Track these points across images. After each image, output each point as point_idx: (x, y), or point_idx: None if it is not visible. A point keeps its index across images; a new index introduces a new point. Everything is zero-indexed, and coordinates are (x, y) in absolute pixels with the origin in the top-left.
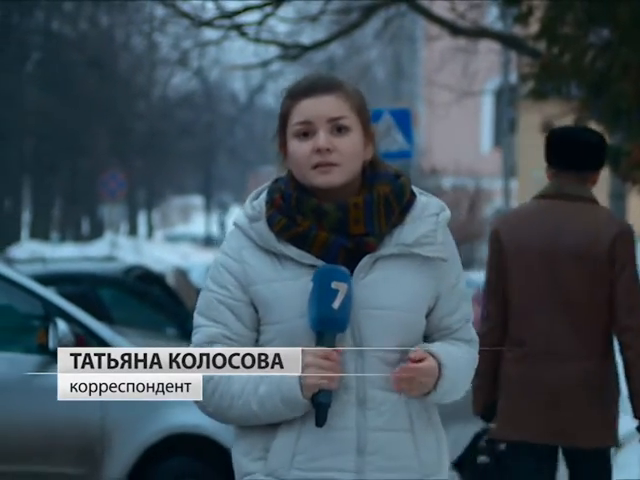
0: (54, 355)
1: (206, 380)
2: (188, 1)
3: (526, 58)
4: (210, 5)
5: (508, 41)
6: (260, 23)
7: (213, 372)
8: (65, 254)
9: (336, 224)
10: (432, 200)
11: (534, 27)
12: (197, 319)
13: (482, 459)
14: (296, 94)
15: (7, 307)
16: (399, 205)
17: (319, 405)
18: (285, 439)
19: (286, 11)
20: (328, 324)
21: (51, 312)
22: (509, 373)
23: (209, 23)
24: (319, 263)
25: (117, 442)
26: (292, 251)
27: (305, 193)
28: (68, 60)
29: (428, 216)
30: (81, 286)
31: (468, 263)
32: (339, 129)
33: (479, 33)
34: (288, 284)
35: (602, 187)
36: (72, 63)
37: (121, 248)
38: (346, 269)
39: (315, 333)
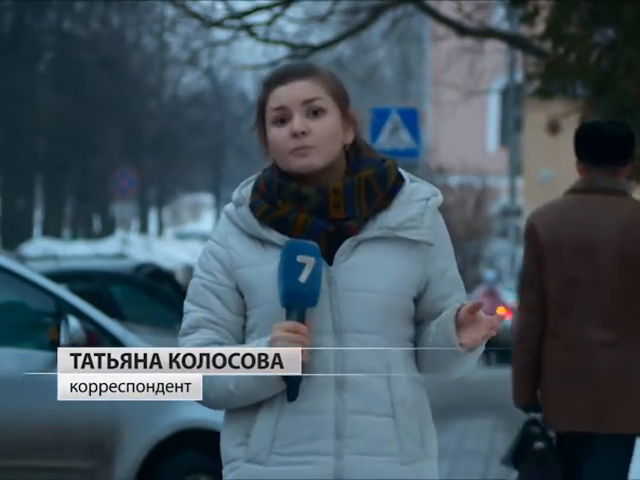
0: None
1: None
2: (198, 2)
3: (532, 58)
4: (220, 6)
5: (514, 41)
6: (269, 23)
7: (213, 372)
8: (77, 252)
9: (316, 208)
10: (423, 186)
11: (540, 27)
12: (186, 305)
13: (538, 445)
14: (271, 82)
15: (19, 304)
16: (382, 189)
17: (289, 380)
18: (264, 424)
19: (295, 12)
20: (295, 298)
21: (63, 309)
22: (551, 364)
23: (219, 23)
24: None
25: (128, 437)
26: (274, 235)
27: (287, 179)
28: (80, 60)
29: (416, 200)
30: (92, 283)
31: (475, 260)
32: (315, 112)
33: (485, 33)
34: (271, 267)
35: None
36: (84, 63)
37: (132, 246)
38: (314, 243)
39: (284, 308)
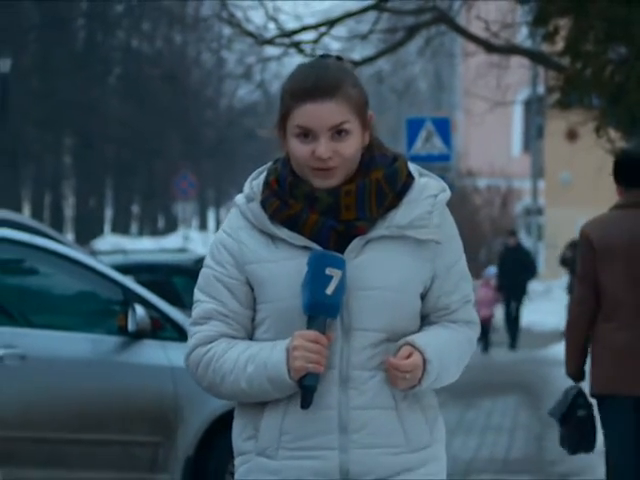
0: (133, 336)
1: (201, 355)
2: (252, 22)
3: (552, 72)
4: (271, 25)
5: (536, 57)
6: (316, 41)
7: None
8: (143, 246)
9: (327, 209)
10: (432, 181)
11: (559, 45)
12: (196, 294)
13: (580, 412)
14: (297, 95)
15: (91, 293)
16: (392, 190)
17: (305, 388)
18: (271, 419)
19: (339, 31)
20: (320, 309)
21: (130, 298)
22: (602, 342)
23: (270, 41)
24: (311, 245)
25: (188, 413)
26: (285, 233)
27: (299, 178)
28: (145, 74)
29: (425, 198)
30: (157, 275)
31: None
32: (339, 132)
33: (511, 50)
34: (282, 264)
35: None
36: (149, 77)
37: (192, 241)
38: (342, 256)
39: (306, 317)
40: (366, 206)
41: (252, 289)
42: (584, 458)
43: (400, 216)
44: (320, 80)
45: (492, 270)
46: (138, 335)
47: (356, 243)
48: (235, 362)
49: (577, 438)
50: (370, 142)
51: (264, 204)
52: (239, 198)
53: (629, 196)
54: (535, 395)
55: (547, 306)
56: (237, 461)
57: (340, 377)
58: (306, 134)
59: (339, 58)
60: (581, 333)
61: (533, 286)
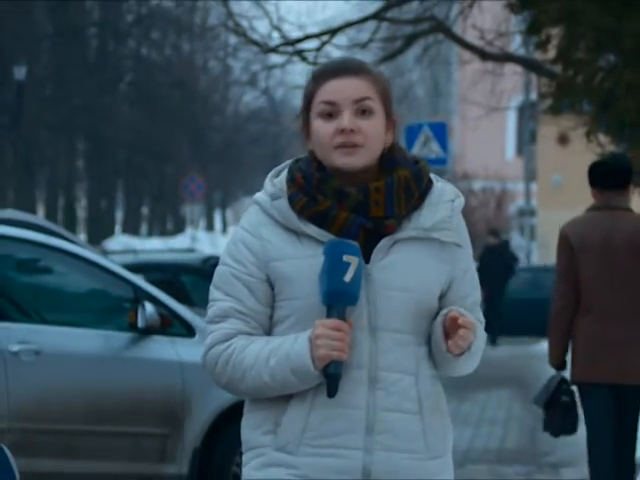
0: (143, 332)
1: (219, 352)
2: (257, 31)
3: (545, 79)
4: (276, 34)
5: (529, 65)
6: (318, 49)
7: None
8: (152, 246)
9: (357, 206)
10: (447, 186)
11: (552, 53)
12: (212, 292)
13: (564, 398)
14: (323, 75)
15: (102, 291)
16: (418, 189)
17: (330, 376)
18: (296, 414)
19: (340, 39)
20: (339, 297)
21: (140, 295)
22: (582, 333)
23: (275, 49)
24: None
25: (196, 406)
26: (312, 229)
27: (325, 173)
28: (155, 81)
29: (445, 202)
30: (166, 273)
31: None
32: (363, 111)
33: (505, 58)
34: (308, 261)
35: None
36: (159, 84)
37: (200, 241)
38: (356, 243)
39: (326, 306)
40: (395, 203)
41: (272, 287)
42: (574, 449)
43: (424, 218)
44: (346, 62)
45: None
46: (148, 331)
47: (384, 243)
48: (256, 356)
49: (561, 422)
50: (392, 144)
51: (291, 200)
52: (260, 196)
53: (602, 199)
54: (528, 389)
55: None
56: (248, 455)
57: (369, 377)
58: (330, 113)
59: None
60: (563, 326)
61: None
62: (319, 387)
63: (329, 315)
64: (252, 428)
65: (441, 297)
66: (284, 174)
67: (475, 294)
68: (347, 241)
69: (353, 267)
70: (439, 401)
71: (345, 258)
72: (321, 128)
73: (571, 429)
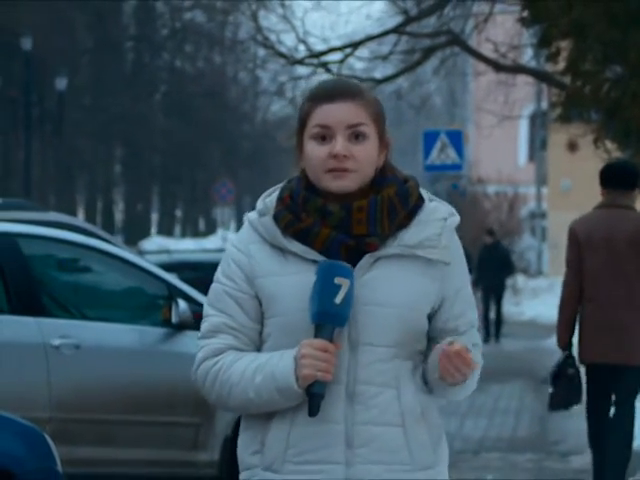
0: (176, 328)
1: (208, 368)
2: (284, 44)
3: (555, 89)
4: (302, 47)
5: (540, 76)
6: (341, 62)
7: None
8: (185, 247)
9: (339, 223)
10: (441, 206)
11: (561, 64)
12: (206, 309)
13: (570, 370)
14: (317, 98)
15: (138, 289)
16: (404, 208)
17: (313, 396)
18: (277, 433)
19: (362, 52)
20: (328, 318)
21: (174, 293)
22: (586, 319)
23: (301, 61)
24: (321, 259)
25: None
26: (296, 246)
27: (313, 193)
28: (188, 92)
29: (435, 220)
30: (198, 272)
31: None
32: (356, 136)
33: (517, 69)
34: (291, 278)
35: None
36: (191, 94)
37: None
38: (349, 265)
39: (314, 325)
40: (377, 222)
41: (260, 304)
42: (583, 438)
43: (410, 235)
44: (340, 85)
45: None
46: (181, 327)
47: (366, 260)
48: (242, 373)
49: (566, 393)
50: (384, 165)
51: (276, 218)
52: (251, 214)
53: (609, 198)
54: (538, 381)
55: (551, 300)
56: (242, 476)
57: (347, 392)
58: (323, 136)
59: None
60: (570, 311)
61: (538, 282)
62: (299, 405)
63: (317, 335)
64: (243, 448)
65: (433, 315)
66: (276, 193)
67: (470, 314)
68: (340, 263)
69: (344, 289)
70: (427, 413)
71: (337, 280)
72: (314, 151)
73: (576, 399)
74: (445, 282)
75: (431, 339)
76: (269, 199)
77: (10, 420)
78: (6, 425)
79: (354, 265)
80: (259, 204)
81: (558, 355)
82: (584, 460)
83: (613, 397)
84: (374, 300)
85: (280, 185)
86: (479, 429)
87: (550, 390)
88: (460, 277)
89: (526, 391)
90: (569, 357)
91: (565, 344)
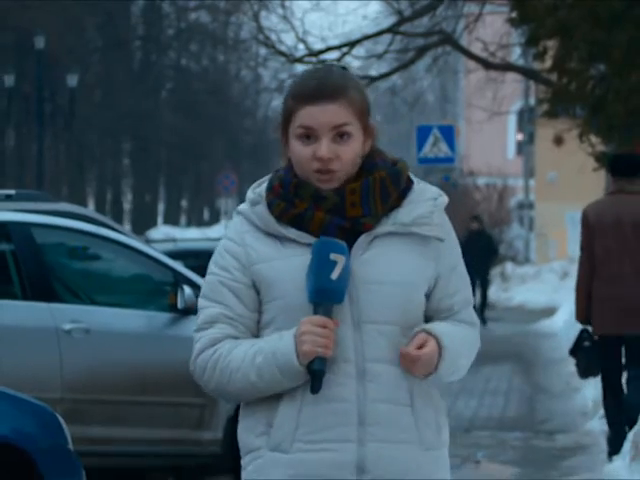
0: (182, 313)
1: (207, 357)
2: (284, 43)
3: (542, 86)
4: (301, 46)
5: (528, 73)
6: (339, 60)
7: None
8: (190, 235)
9: (333, 207)
10: (429, 187)
11: (548, 63)
12: (200, 302)
13: (586, 343)
14: (300, 97)
15: (146, 276)
16: (396, 188)
17: (314, 372)
18: (287, 413)
19: (358, 51)
20: (326, 295)
21: (179, 280)
22: (597, 295)
23: (300, 60)
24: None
25: None
26: (292, 232)
27: (303, 180)
28: (193, 88)
29: (425, 200)
30: (203, 260)
31: (497, 242)
32: (341, 135)
33: (506, 67)
34: (288, 261)
35: (600, 184)
36: (196, 91)
37: None
38: (343, 242)
39: (312, 304)
40: (371, 203)
41: (257, 292)
42: (568, 418)
43: (404, 214)
44: (323, 84)
45: None
46: (186, 312)
47: (363, 239)
48: (243, 358)
49: (585, 365)
50: (370, 151)
51: (270, 206)
52: (242, 206)
53: (618, 185)
54: (527, 363)
55: (537, 287)
56: (246, 459)
57: (357, 370)
58: (308, 135)
59: (344, 68)
60: (585, 287)
61: (526, 269)
62: (308, 384)
63: (315, 313)
64: (247, 432)
65: (429, 294)
66: (265, 184)
67: (465, 292)
68: (334, 240)
69: (340, 265)
70: (432, 395)
71: (332, 257)
72: (299, 150)
73: (595, 371)
74: (440, 260)
75: (428, 319)
76: (259, 189)
77: (24, 400)
78: (20, 405)
79: (352, 246)
80: (249, 195)
81: (546, 339)
82: (570, 439)
83: (625, 374)
84: (373, 278)
85: (267, 177)
86: (470, 409)
87: (575, 362)
88: (454, 255)
89: (515, 373)
90: (584, 331)
91: (583, 318)
